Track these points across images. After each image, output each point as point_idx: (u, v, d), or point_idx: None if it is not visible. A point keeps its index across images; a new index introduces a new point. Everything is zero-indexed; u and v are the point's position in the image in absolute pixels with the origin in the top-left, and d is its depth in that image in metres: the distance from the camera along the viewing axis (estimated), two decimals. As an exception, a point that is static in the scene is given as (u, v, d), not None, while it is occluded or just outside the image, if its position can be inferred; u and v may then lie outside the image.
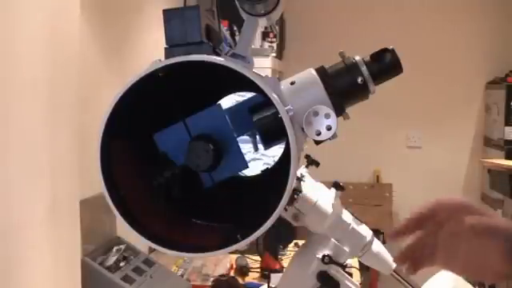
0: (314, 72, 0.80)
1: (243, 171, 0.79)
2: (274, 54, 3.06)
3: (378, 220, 3.74)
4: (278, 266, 2.07)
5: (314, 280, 0.97)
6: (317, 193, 1.00)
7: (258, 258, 2.20)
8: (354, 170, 3.91)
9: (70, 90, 1.37)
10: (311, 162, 1.05)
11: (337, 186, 1.03)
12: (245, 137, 0.79)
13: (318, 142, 0.76)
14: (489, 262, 0.66)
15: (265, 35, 3.08)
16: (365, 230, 1.02)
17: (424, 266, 0.72)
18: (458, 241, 0.68)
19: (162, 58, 0.69)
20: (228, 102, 0.82)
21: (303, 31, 3.88)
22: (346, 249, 0.99)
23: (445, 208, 0.71)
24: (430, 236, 0.71)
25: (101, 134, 0.68)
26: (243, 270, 2.20)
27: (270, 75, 0.79)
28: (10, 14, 1.13)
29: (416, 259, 0.72)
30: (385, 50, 0.82)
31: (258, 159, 1.09)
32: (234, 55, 0.70)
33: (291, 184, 0.66)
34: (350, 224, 1.00)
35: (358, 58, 0.81)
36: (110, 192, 0.69)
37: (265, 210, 0.67)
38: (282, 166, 0.70)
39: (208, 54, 0.69)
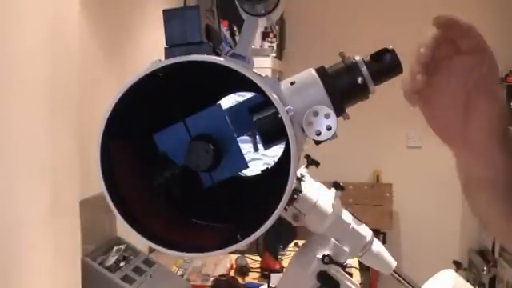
0: (314, 72, 0.80)
1: (243, 171, 0.79)
2: (274, 54, 3.06)
3: (378, 220, 3.74)
4: (278, 266, 2.07)
5: (314, 280, 0.97)
6: (317, 193, 1.00)
7: (258, 258, 2.21)
8: (354, 170, 3.92)
9: (70, 89, 1.37)
10: (311, 162, 1.05)
11: (337, 186, 1.03)
12: (245, 137, 0.79)
13: (317, 142, 0.76)
14: (463, 117, 0.64)
15: (265, 35, 3.08)
16: (365, 230, 1.02)
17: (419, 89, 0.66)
18: (448, 72, 0.65)
19: (162, 58, 0.69)
20: (228, 101, 0.82)
21: (303, 31, 3.89)
22: (346, 249, 0.99)
23: (462, 30, 0.67)
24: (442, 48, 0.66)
25: (101, 134, 0.68)
26: (243, 270, 2.20)
27: (270, 75, 0.79)
28: (9, 13, 1.13)
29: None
30: (385, 50, 0.82)
31: (258, 159, 1.09)
32: (234, 55, 0.70)
33: (291, 184, 0.66)
34: (349, 224, 1.00)
35: (358, 58, 0.81)
36: (110, 192, 0.69)
37: (265, 210, 0.67)
38: (282, 166, 0.70)
39: (208, 54, 0.69)
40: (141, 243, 1.74)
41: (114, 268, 1.69)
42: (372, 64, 0.81)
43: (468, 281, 1.07)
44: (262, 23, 0.76)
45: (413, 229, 4.01)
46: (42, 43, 1.24)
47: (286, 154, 0.68)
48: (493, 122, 0.64)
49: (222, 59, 0.68)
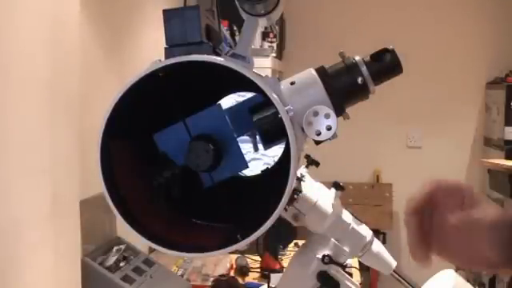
0: (313, 72, 0.81)
1: (243, 171, 0.79)
2: (274, 54, 3.06)
3: (378, 220, 3.74)
4: (278, 266, 2.07)
5: (314, 280, 0.97)
6: (317, 193, 1.00)
7: (258, 258, 2.20)
8: (354, 170, 3.91)
9: (70, 89, 1.37)
10: (311, 162, 1.05)
11: (337, 186, 1.03)
12: (245, 137, 0.79)
13: (317, 142, 0.76)
14: (477, 253, 0.67)
15: (265, 35, 3.08)
16: (365, 230, 1.02)
17: (428, 252, 0.71)
18: (446, 234, 0.69)
19: (162, 58, 0.69)
20: (228, 101, 0.82)
21: (303, 31, 3.89)
22: (346, 249, 0.99)
23: (441, 190, 0.71)
24: (426, 221, 0.71)
25: (101, 134, 0.68)
26: (243, 270, 2.20)
27: (270, 75, 0.79)
28: (9, 13, 1.13)
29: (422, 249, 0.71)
30: (385, 50, 0.82)
31: (257, 159, 1.09)
32: (234, 55, 0.70)
33: (291, 184, 0.66)
34: (349, 224, 1.00)
35: (358, 58, 0.81)
36: (110, 192, 0.69)
37: (265, 209, 0.67)
38: (282, 166, 0.70)
39: (208, 54, 0.69)
40: (141, 243, 1.74)
41: (114, 268, 1.69)
42: (372, 64, 0.81)
43: (468, 281, 1.07)
44: (262, 23, 0.76)
45: (413, 229, 4.00)
46: (42, 43, 1.24)
47: (286, 153, 0.68)
48: (495, 238, 0.67)
49: (221, 59, 0.68)
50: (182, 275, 2.08)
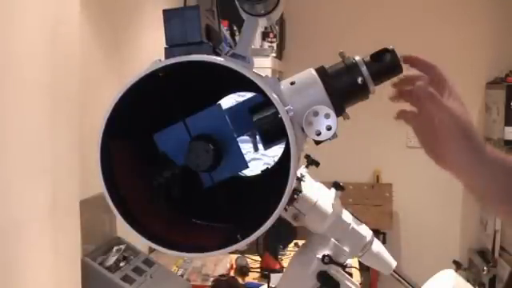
0: (314, 72, 0.80)
1: (243, 171, 0.79)
2: (274, 54, 3.06)
3: (378, 220, 3.75)
4: (278, 266, 2.07)
5: (314, 280, 0.97)
6: (317, 193, 1.00)
7: (258, 258, 2.21)
8: (354, 170, 3.92)
9: (70, 89, 1.37)
10: (311, 162, 1.05)
11: (337, 186, 1.03)
12: (245, 137, 0.80)
13: (317, 142, 0.76)
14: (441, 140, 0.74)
15: (265, 35, 3.08)
16: (365, 230, 1.02)
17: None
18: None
19: (162, 57, 0.69)
20: (228, 101, 0.82)
21: (303, 31, 3.89)
22: (346, 249, 0.99)
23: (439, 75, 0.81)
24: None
25: (101, 134, 0.68)
26: (243, 270, 2.20)
27: (270, 75, 0.79)
28: (9, 14, 1.13)
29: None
30: (385, 50, 0.82)
31: (257, 159, 1.09)
32: (234, 55, 0.70)
33: (291, 184, 0.66)
34: (349, 224, 1.00)
35: (357, 58, 0.81)
36: (110, 192, 0.69)
37: (265, 209, 0.67)
38: (282, 166, 0.70)
39: (208, 54, 0.69)
40: (141, 243, 1.74)
41: (114, 268, 1.69)
42: (372, 64, 0.81)
43: (468, 281, 1.07)
44: (262, 23, 0.76)
45: (413, 229, 4.01)
46: (42, 44, 1.24)
47: (286, 153, 0.68)
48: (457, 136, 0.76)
49: (222, 59, 0.68)
50: (182, 275, 2.08)
